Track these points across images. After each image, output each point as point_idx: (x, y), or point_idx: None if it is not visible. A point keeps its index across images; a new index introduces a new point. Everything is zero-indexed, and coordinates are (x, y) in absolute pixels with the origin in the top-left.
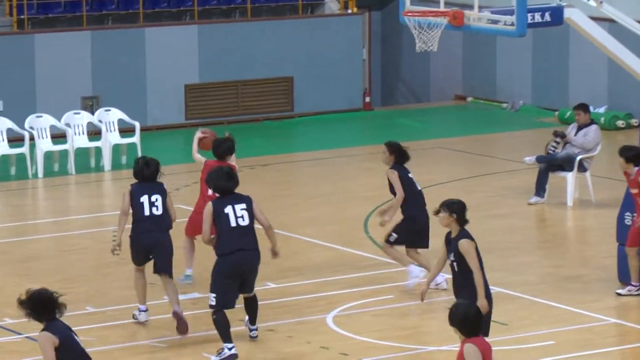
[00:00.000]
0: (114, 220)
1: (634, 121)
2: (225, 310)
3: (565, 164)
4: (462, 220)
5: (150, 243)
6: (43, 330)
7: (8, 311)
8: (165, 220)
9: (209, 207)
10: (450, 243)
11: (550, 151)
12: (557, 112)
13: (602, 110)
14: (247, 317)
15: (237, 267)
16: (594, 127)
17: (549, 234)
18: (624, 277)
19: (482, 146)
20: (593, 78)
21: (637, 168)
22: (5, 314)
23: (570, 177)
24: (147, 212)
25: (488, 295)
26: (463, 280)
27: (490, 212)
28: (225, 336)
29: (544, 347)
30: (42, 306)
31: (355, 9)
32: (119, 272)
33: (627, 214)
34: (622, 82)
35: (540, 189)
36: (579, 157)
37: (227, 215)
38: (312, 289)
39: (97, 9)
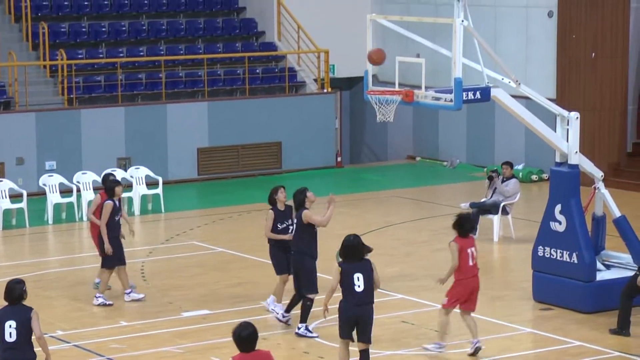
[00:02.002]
0: (141, 254)
1: (544, 175)
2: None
3: (492, 209)
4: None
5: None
6: None
7: (61, 325)
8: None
9: (270, 214)
10: None
11: (480, 201)
12: (485, 168)
13: (520, 167)
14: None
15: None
16: (513, 180)
17: (479, 263)
18: (537, 297)
19: (428, 195)
20: (513, 141)
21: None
22: (58, 327)
23: (496, 219)
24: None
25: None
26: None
27: (435, 246)
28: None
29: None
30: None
31: (329, 89)
32: (149, 294)
33: (540, 247)
34: (535, 145)
35: (472, 228)
36: (502, 203)
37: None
38: (297, 306)
39: (129, 89)
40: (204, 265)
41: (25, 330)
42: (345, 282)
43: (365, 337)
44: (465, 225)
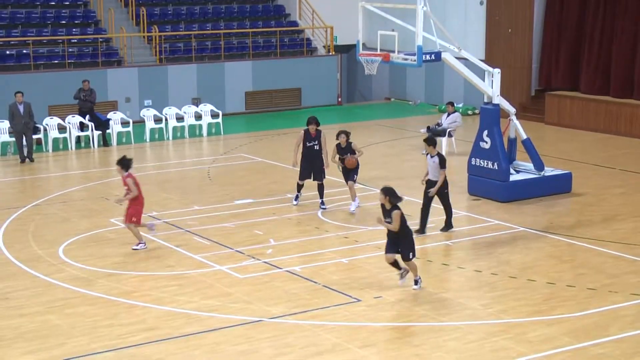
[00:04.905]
0: (207, 162)
1: (476, 111)
2: None
3: (442, 133)
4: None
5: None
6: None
7: (154, 207)
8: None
9: (301, 134)
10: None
11: (433, 127)
12: (437, 106)
13: (460, 105)
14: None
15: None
16: (456, 114)
17: None
18: (471, 191)
19: (399, 124)
20: (456, 88)
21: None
22: (152, 209)
23: (444, 140)
24: None
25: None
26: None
27: (403, 157)
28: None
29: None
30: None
31: (333, 53)
32: (213, 189)
33: (473, 158)
34: (471, 90)
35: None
36: (448, 129)
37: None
38: (312, 196)
39: (200, 52)
40: (249, 169)
41: None
42: None
43: None
44: (129, 163)
